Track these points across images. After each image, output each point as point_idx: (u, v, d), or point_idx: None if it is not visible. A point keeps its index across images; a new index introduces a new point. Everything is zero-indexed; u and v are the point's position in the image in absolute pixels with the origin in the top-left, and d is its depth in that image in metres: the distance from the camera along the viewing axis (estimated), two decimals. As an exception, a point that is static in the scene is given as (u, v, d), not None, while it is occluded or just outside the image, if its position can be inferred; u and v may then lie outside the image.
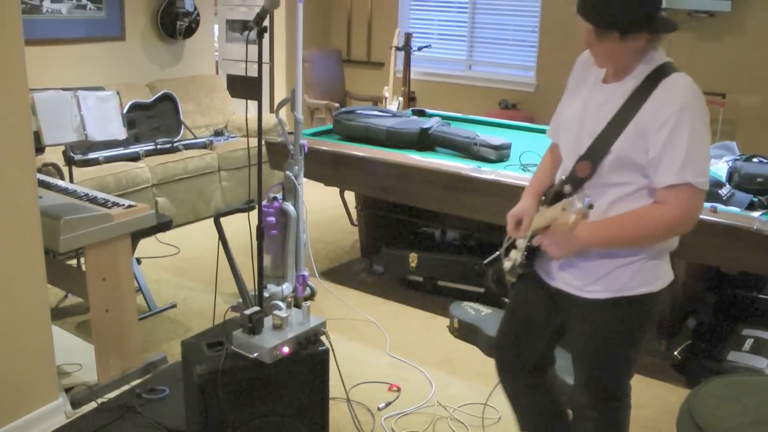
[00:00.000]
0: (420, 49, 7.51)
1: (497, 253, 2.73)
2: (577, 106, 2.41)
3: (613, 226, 2.26)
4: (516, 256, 2.55)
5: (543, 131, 5.40)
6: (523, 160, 4.46)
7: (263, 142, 4.75)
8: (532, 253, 2.48)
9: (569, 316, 2.50)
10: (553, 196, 2.39)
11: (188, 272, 5.16)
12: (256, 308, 2.86)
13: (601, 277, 2.35)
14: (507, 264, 2.61)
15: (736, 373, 3.54)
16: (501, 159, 4.51)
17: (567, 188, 2.33)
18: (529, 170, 4.27)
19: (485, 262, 2.82)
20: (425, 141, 4.73)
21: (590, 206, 2.03)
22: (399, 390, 3.76)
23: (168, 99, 6.47)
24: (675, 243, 2.39)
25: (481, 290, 4.71)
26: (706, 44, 6.60)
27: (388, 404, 3.62)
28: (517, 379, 2.75)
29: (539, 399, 2.77)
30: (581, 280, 2.39)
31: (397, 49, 7.31)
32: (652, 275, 2.36)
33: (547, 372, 2.76)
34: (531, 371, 2.71)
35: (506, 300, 2.80)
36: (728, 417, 2.10)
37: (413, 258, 4.86)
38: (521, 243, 2.53)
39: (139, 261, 4.60)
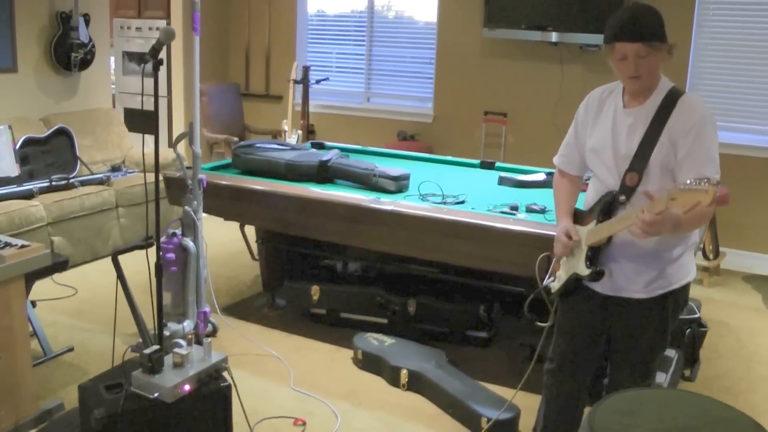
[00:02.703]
0: (318, 82, 7.57)
1: (550, 279, 3.14)
2: (605, 133, 2.86)
3: (696, 215, 2.50)
4: (563, 275, 3.00)
5: (441, 161, 5.60)
6: (422, 190, 4.53)
7: (161, 177, 4.70)
8: (594, 260, 2.85)
9: (622, 318, 2.94)
10: (605, 209, 2.81)
11: (86, 314, 5.03)
12: (156, 347, 2.83)
13: (654, 278, 2.83)
14: (554, 284, 3.07)
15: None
16: (400, 190, 4.56)
17: (622, 198, 2.77)
18: (427, 200, 4.33)
19: (543, 286, 3.17)
20: (324, 173, 4.75)
21: (717, 183, 2.31)
22: (304, 424, 3.74)
23: (63, 134, 6.33)
24: (698, 238, 2.88)
25: (384, 321, 4.74)
26: (597, 76, 6.81)
27: (293, 439, 3.61)
28: (580, 385, 3.16)
29: (581, 403, 3.19)
30: (640, 284, 2.84)
31: (296, 82, 7.34)
32: (689, 266, 2.90)
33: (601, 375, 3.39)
34: (593, 375, 3.20)
35: (540, 323, 3.25)
36: (627, 429, 2.17)
37: (315, 291, 4.86)
38: (566, 262, 2.98)
39: (33, 304, 4.46)
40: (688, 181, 2.29)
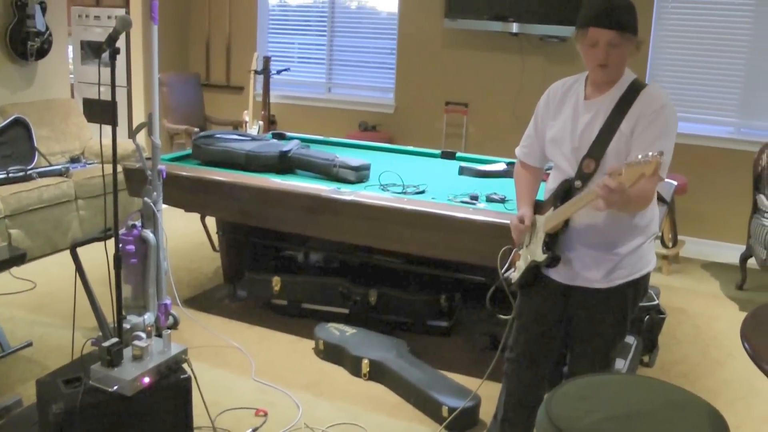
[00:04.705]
0: (279, 72, 7.54)
1: (510, 270, 3.14)
2: (566, 123, 2.86)
3: (638, 190, 2.49)
4: (522, 264, 3.01)
5: (402, 151, 5.59)
6: (382, 180, 4.53)
7: (120, 168, 4.65)
8: (550, 246, 2.86)
9: (583, 307, 2.95)
10: (563, 195, 2.81)
11: (45, 308, 4.97)
12: (115, 339, 2.81)
13: (613, 267, 2.84)
14: (514, 275, 3.09)
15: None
16: (360, 180, 4.56)
17: (578, 183, 2.78)
18: (388, 190, 4.33)
19: (503, 277, 3.17)
20: (285, 164, 4.74)
21: (661, 153, 2.28)
22: (266, 414, 3.74)
23: (20, 124, 6.24)
24: (657, 228, 2.94)
25: (346, 311, 4.75)
26: (557, 67, 6.88)
27: (255, 429, 3.59)
28: (540, 373, 3.17)
29: (541, 391, 3.19)
30: (599, 273, 2.85)
31: (256, 72, 7.30)
32: (648, 256, 2.92)
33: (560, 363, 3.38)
34: (553, 363, 3.21)
35: (502, 316, 3.29)
36: (584, 415, 2.18)
37: (276, 282, 4.85)
38: (525, 251, 3.00)
39: (-10, 297, 4.42)
40: (639, 156, 2.30)
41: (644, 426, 2.14)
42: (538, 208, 3.00)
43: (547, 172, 3.13)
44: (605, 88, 2.79)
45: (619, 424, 2.15)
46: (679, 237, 6.45)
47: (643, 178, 2.31)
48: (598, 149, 2.74)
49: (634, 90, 2.75)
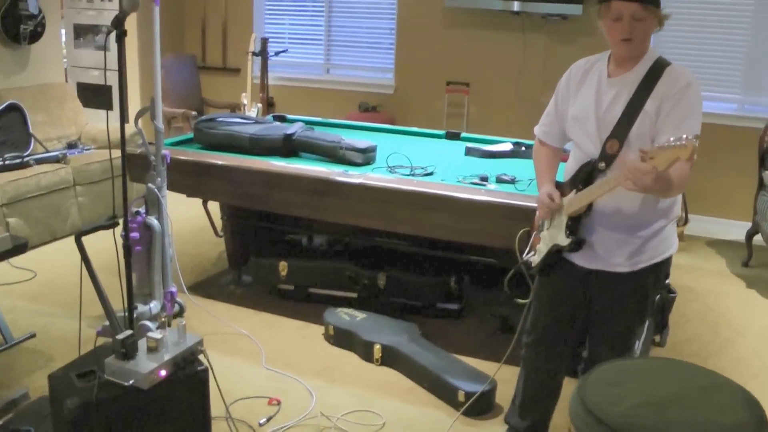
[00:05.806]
0: (277, 54, 7.43)
1: (530, 254, 3.08)
2: (589, 102, 2.79)
3: (678, 173, 2.47)
4: (543, 248, 2.96)
5: (406, 132, 5.51)
6: (389, 162, 4.46)
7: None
8: (573, 230, 2.81)
9: (604, 291, 2.90)
10: (585, 177, 2.76)
11: (47, 297, 4.89)
12: (129, 332, 2.74)
13: (635, 250, 2.78)
14: (534, 258, 3.03)
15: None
16: (367, 162, 4.50)
17: (601, 165, 2.71)
18: (395, 172, 4.27)
19: (523, 260, 3.13)
20: (289, 147, 4.66)
21: (697, 137, 2.26)
22: (279, 403, 3.68)
23: (15, 110, 6.13)
24: (679, 211, 2.90)
25: (354, 295, 4.69)
26: (561, 46, 6.81)
27: (269, 419, 3.54)
28: (558, 358, 3.14)
29: (560, 376, 3.20)
30: (621, 257, 2.80)
31: (254, 54, 7.19)
32: (671, 239, 2.89)
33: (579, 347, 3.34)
34: (572, 347, 3.19)
35: (519, 300, 3.26)
36: (617, 401, 2.17)
37: (283, 266, 4.79)
38: (546, 235, 2.95)
39: (-9, 288, 4.33)
40: (671, 139, 2.24)
41: (681, 411, 2.11)
42: (558, 190, 2.93)
43: (566, 152, 3.07)
44: (629, 66, 2.72)
45: (656, 410, 2.11)
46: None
47: (678, 161, 2.25)
48: (622, 130, 2.68)
49: (659, 68, 2.68)
